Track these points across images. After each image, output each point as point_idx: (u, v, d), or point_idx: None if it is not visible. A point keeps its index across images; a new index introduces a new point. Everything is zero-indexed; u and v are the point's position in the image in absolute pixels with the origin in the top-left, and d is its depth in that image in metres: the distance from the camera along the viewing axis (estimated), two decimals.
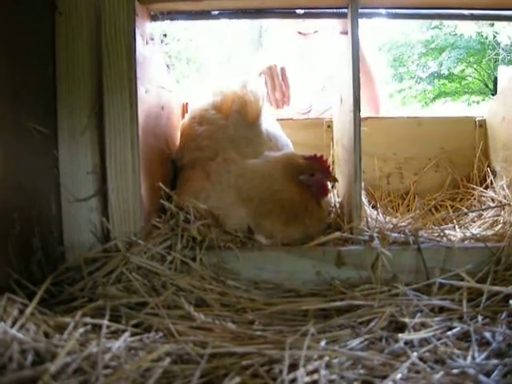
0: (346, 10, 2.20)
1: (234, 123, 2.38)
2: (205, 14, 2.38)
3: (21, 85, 1.78)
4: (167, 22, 2.38)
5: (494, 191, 2.82)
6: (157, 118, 2.30)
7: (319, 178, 2.17)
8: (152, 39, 2.22)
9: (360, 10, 2.12)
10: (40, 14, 1.93)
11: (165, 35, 2.45)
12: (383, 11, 2.37)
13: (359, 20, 2.10)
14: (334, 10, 2.35)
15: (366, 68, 3.64)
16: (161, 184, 2.17)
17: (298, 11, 2.37)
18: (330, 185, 2.25)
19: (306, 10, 2.37)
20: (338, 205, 2.38)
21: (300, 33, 3.88)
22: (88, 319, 1.47)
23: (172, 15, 2.33)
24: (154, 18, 2.28)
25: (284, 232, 2.12)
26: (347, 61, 2.15)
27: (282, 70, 3.36)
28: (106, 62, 1.94)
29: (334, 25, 3.60)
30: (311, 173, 2.16)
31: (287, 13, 2.42)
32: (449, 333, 1.53)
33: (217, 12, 2.36)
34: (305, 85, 4.02)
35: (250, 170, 2.21)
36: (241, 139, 2.33)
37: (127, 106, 1.94)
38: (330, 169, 2.26)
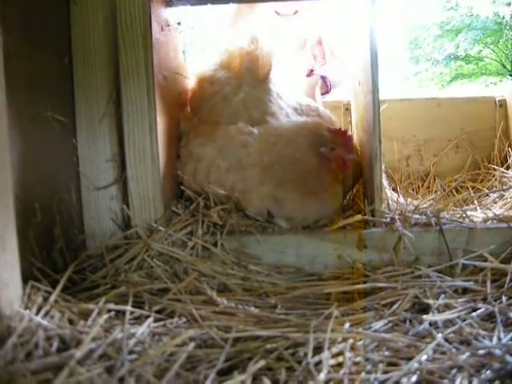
0: None
1: (246, 81, 2.32)
2: None
3: (38, 75, 1.78)
4: (182, 9, 2.37)
5: None
6: (174, 104, 2.29)
7: (340, 153, 2.09)
8: (168, 25, 2.21)
9: None
10: (55, 3, 1.93)
11: (179, 23, 2.44)
12: None
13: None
14: None
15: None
16: (180, 172, 2.18)
17: None
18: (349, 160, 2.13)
19: None
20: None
21: (278, 13, 3.76)
22: (111, 305, 1.48)
23: (187, 0, 2.32)
24: (168, 3, 2.27)
25: (302, 206, 2.08)
26: (364, 43, 2.13)
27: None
28: (122, 50, 1.94)
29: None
30: (332, 146, 2.09)
31: None
32: (473, 314, 1.52)
33: None
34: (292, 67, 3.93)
35: (273, 133, 2.16)
36: (252, 101, 2.26)
37: (144, 92, 1.94)
38: (353, 145, 2.19)
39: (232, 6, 3.04)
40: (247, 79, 2.33)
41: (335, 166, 2.10)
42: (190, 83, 2.54)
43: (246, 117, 2.22)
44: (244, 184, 2.11)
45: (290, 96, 2.43)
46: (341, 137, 2.12)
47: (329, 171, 2.11)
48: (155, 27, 2.00)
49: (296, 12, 3.64)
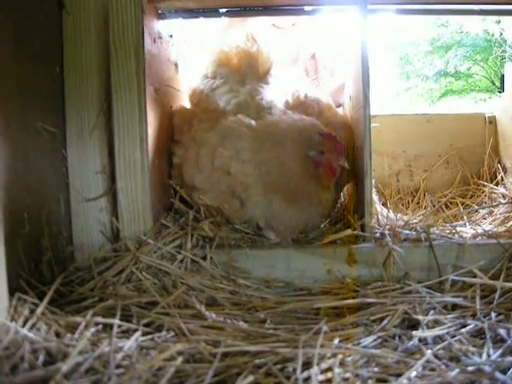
0: (354, 7, 2.17)
1: (248, 77, 2.34)
2: (212, 12, 2.38)
3: (29, 84, 1.77)
4: (175, 22, 2.38)
5: (505, 187, 2.81)
6: (165, 117, 2.28)
7: (329, 157, 2.04)
8: (160, 37, 2.21)
9: (369, 7, 2.10)
10: (47, 13, 1.93)
11: (171, 36, 2.44)
12: (392, 7, 2.36)
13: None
14: (343, 7, 2.34)
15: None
16: (171, 182, 2.17)
17: (305, 8, 2.35)
18: (339, 167, 2.07)
19: (314, 7, 2.36)
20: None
21: (275, 26, 3.77)
22: (99, 319, 1.46)
23: (179, 13, 2.33)
24: (161, 16, 2.27)
25: (286, 211, 2.07)
26: (356, 58, 2.13)
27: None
28: (113, 61, 1.93)
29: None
30: (322, 150, 2.04)
31: (295, 10, 2.41)
32: (463, 330, 1.52)
33: (224, 10, 2.35)
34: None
35: (263, 131, 2.12)
36: (257, 93, 2.27)
37: (136, 104, 1.93)
38: (343, 151, 2.10)
39: (224, 20, 3.06)
40: (249, 75, 2.34)
41: (322, 171, 2.06)
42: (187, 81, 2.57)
43: (253, 109, 2.21)
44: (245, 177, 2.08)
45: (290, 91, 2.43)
46: (331, 141, 2.06)
47: (313, 177, 2.07)
48: (147, 39, 2.00)
49: (294, 24, 3.64)
